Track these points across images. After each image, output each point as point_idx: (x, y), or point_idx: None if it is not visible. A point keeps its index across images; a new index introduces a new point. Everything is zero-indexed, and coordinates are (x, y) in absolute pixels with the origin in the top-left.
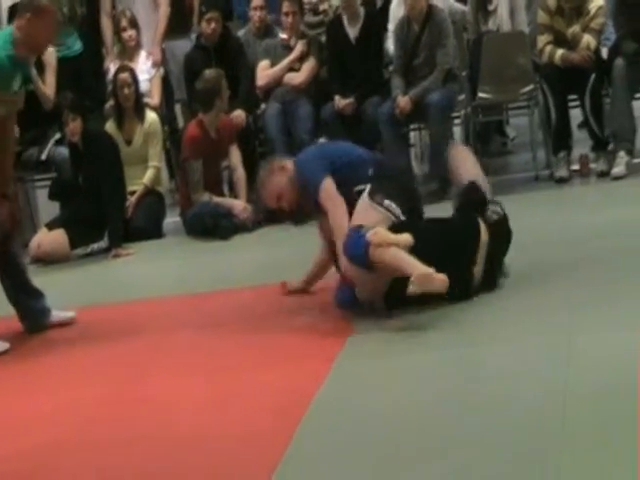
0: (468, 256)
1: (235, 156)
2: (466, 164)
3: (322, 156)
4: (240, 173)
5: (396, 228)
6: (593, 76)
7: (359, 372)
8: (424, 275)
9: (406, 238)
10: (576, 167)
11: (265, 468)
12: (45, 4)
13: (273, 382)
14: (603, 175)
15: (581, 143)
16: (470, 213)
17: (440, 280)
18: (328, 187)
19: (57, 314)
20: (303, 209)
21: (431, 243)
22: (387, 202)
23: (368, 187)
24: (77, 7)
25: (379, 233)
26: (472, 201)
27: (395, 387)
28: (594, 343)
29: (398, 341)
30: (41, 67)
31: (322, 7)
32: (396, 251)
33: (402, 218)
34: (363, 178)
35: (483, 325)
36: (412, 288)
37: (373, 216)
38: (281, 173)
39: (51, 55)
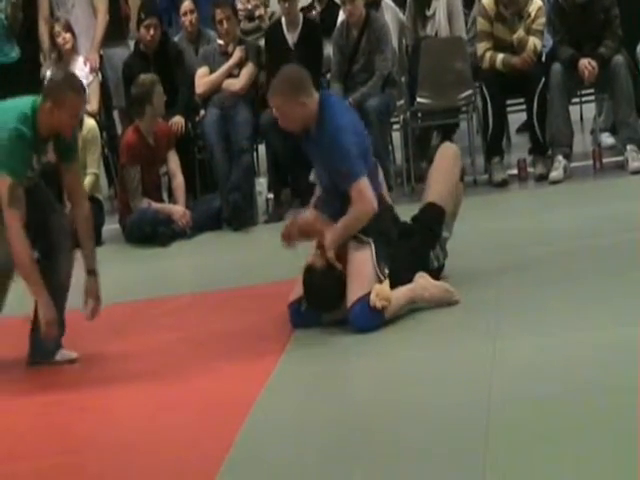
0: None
1: (173, 162)
2: (440, 180)
3: (361, 145)
4: (179, 180)
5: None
6: (542, 80)
7: (299, 376)
8: (446, 292)
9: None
10: (514, 171)
11: (206, 473)
12: (68, 95)
13: (213, 387)
14: (541, 179)
15: (519, 147)
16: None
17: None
18: (367, 185)
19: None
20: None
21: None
22: (386, 271)
23: (373, 248)
24: (17, 13)
25: (381, 297)
26: (426, 225)
27: (334, 391)
28: (519, 347)
29: (338, 345)
30: None
31: (258, 13)
32: (396, 298)
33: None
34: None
35: (421, 331)
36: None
37: (372, 282)
38: (300, 107)
39: None
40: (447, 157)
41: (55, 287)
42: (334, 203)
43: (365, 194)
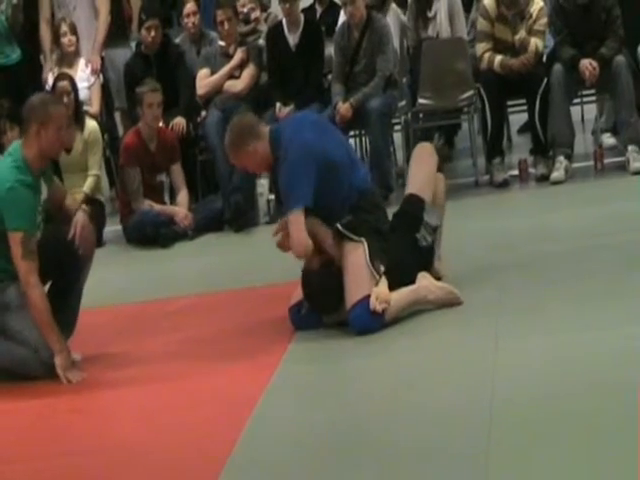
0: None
1: (178, 177)
2: (418, 173)
3: (311, 154)
4: (183, 194)
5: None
6: (545, 80)
7: (301, 377)
8: (449, 294)
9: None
10: (515, 172)
11: (208, 475)
12: (49, 109)
13: (214, 388)
14: (542, 180)
15: (520, 148)
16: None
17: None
18: (299, 218)
19: None
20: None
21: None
22: (382, 268)
23: (366, 247)
24: (18, 15)
25: (381, 299)
26: (407, 213)
27: (335, 392)
28: (521, 347)
29: (339, 347)
30: None
31: (254, 15)
32: (396, 299)
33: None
34: (345, 199)
35: (422, 331)
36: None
37: (370, 282)
38: (252, 153)
39: None
40: (423, 153)
41: (76, 292)
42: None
43: (292, 229)
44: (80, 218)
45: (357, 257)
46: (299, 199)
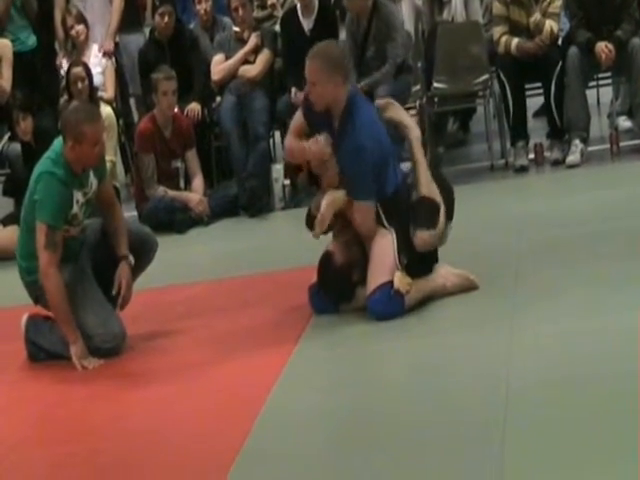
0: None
1: (193, 162)
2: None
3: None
4: (198, 180)
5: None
6: (560, 64)
7: (316, 363)
8: (466, 280)
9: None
10: (531, 156)
11: (221, 464)
12: (84, 128)
13: (229, 374)
14: (558, 163)
15: (536, 132)
16: None
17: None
18: (367, 209)
19: None
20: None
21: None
22: (405, 261)
23: (395, 237)
24: (32, 1)
25: (402, 284)
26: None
27: (351, 378)
28: (537, 333)
29: (355, 332)
30: None
31: (270, 1)
32: (415, 289)
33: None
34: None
35: (438, 316)
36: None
37: (393, 270)
38: (333, 87)
39: (7, 48)
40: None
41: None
42: None
43: (363, 216)
44: (124, 273)
45: (386, 245)
46: (368, 193)
